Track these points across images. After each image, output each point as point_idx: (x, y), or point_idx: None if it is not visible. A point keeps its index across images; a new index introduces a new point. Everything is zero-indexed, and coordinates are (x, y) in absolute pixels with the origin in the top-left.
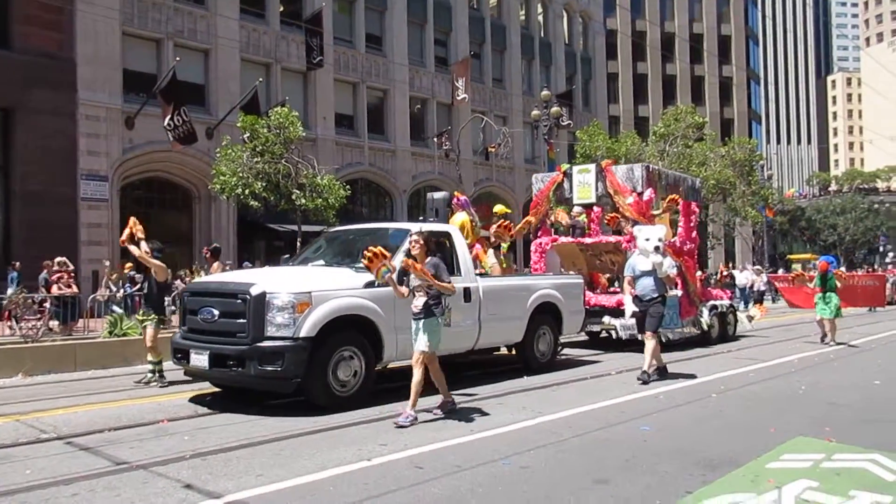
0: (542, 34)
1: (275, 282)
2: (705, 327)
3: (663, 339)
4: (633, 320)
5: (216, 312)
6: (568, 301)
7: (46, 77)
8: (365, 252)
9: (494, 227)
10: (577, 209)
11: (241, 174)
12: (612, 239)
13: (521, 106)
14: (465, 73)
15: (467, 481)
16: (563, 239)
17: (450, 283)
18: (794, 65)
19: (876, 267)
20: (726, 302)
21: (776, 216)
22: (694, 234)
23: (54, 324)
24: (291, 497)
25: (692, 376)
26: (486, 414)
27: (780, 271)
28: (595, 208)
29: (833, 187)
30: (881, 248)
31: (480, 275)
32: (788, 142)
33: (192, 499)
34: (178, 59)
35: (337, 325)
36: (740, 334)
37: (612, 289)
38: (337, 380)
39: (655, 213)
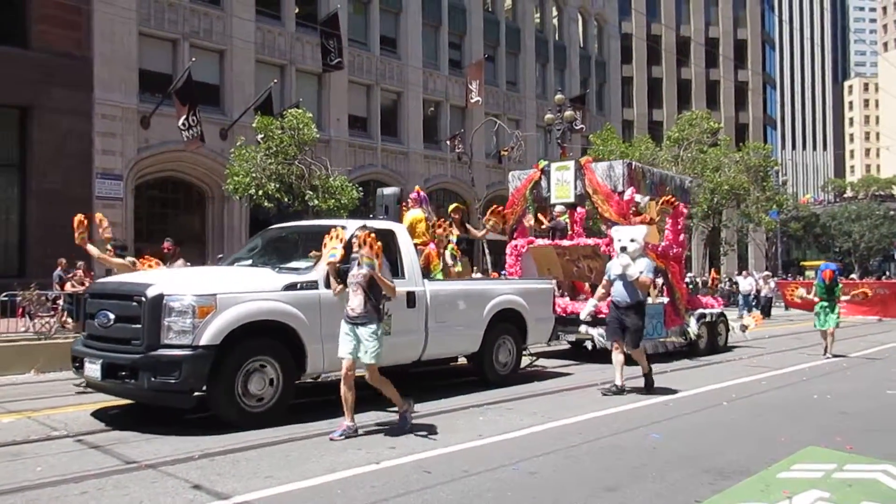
0: (557, 37)
1: (176, 283)
2: (692, 337)
3: (648, 351)
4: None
5: (111, 316)
6: (533, 308)
7: (63, 76)
8: (328, 233)
9: (488, 213)
10: (558, 208)
11: (254, 175)
12: (590, 242)
13: (534, 109)
14: (479, 75)
15: (475, 486)
16: (539, 241)
17: (392, 283)
18: (810, 70)
19: (889, 274)
20: (716, 310)
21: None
22: (682, 237)
23: (68, 321)
24: (299, 499)
25: (672, 391)
26: (434, 434)
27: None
28: (579, 209)
29: (848, 194)
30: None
31: (431, 278)
32: (804, 147)
33: (201, 499)
34: (193, 59)
35: (248, 332)
36: (733, 345)
37: None
38: (248, 394)
39: (647, 216)
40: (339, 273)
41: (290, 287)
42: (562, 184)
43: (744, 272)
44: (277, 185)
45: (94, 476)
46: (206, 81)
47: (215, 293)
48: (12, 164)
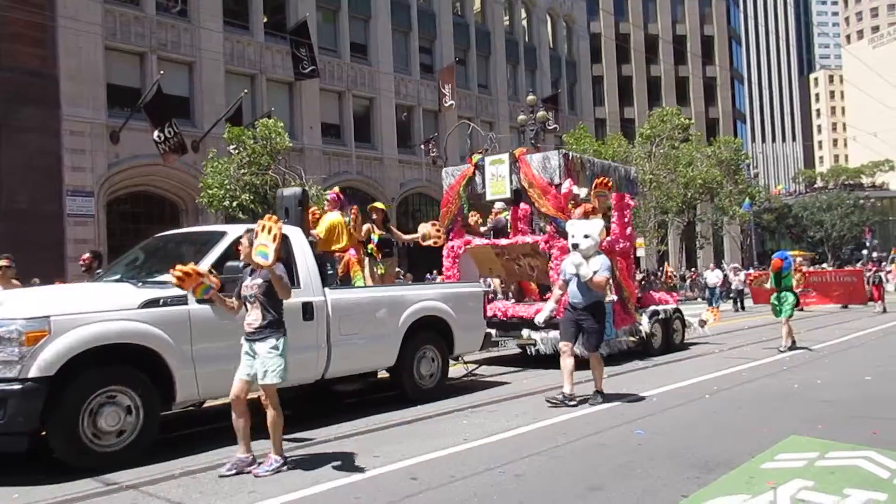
0: (527, 39)
1: (3, 305)
2: (644, 336)
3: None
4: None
5: None
6: (461, 315)
7: (30, 94)
8: (172, 272)
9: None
10: (498, 205)
11: (228, 186)
12: (528, 240)
13: (507, 111)
14: (451, 79)
15: (462, 491)
16: (476, 241)
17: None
18: (776, 64)
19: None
20: (671, 306)
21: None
22: (629, 230)
23: None
24: None
25: (637, 396)
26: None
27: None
28: (522, 205)
29: (819, 184)
30: (867, 244)
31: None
32: (773, 140)
33: None
34: (162, 72)
35: (96, 359)
36: (691, 341)
37: (546, 296)
38: (99, 431)
39: (588, 205)
40: (234, 290)
41: (151, 304)
42: (497, 179)
43: (710, 265)
44: (252, 196)
45: (73, 500)
46: (175, 94)
47: (48, 315)
48: None
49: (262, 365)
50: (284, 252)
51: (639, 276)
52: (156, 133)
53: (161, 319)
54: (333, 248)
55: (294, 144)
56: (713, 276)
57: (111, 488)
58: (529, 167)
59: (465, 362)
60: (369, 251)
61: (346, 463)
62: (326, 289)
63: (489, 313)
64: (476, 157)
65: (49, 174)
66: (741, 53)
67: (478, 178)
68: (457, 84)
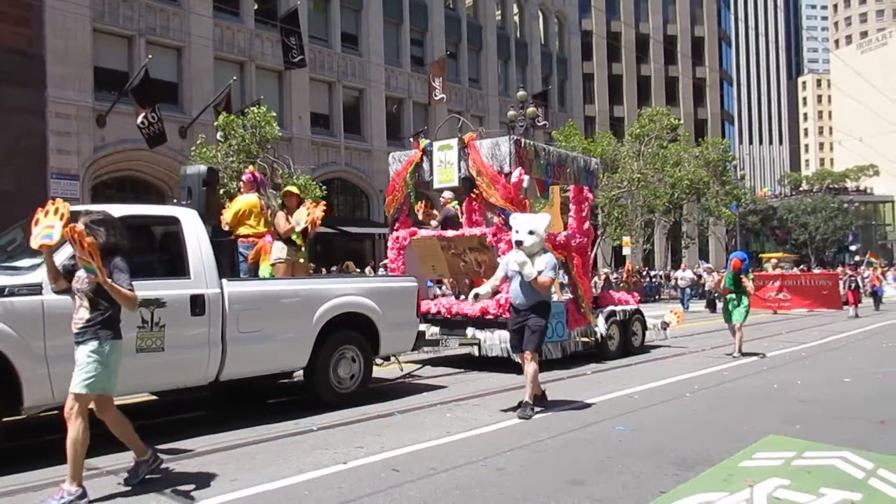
0: (518, 35)
1: None
2: (600, 338)
3: (545, 356)
4: (506, 333)
5: None
6: (388, 311)
7: (15, 74)
8: (43, 208)
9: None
10: (447, 194)
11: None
12: (476, 232)
13: (497, 106)
14: (442, 72)
15: (444, 483)
16: (422, 232)
17: (131, 290)
18: (765, 66)
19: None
20: (630, 307)
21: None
22: (586, 225)
23: None
24: (267, 502)
25: (581, 403)
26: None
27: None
28: (474, 194)
29: (804, 187)
30: (849, 248)
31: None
32: (760, 142)
33: None
34: (150, 56)
35: None
36: (652, 344)
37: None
38: None
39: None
40: (66, 269)
41: None
42: (445, 165)
43: (682, 265)
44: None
45: (52, 485)
46: (163, 79)
47: None
48: None
49: (77, 370)
50: (175, 237)
51: (600, 276)
52: (139, 118)
53: (5, 311)
54: (245, 232)
55: (283, 134)
56: (685, 277)
57: (92, 473)
58: (479, 154)
59: (401, 363)
60: (293, 238)
61: (328, 453)
62: (224, 280)
63: (433, 310)
64: (424, 142)
65: (34, 156)
66: (731, 55)
67: (425, 165)
68: (447, 78)
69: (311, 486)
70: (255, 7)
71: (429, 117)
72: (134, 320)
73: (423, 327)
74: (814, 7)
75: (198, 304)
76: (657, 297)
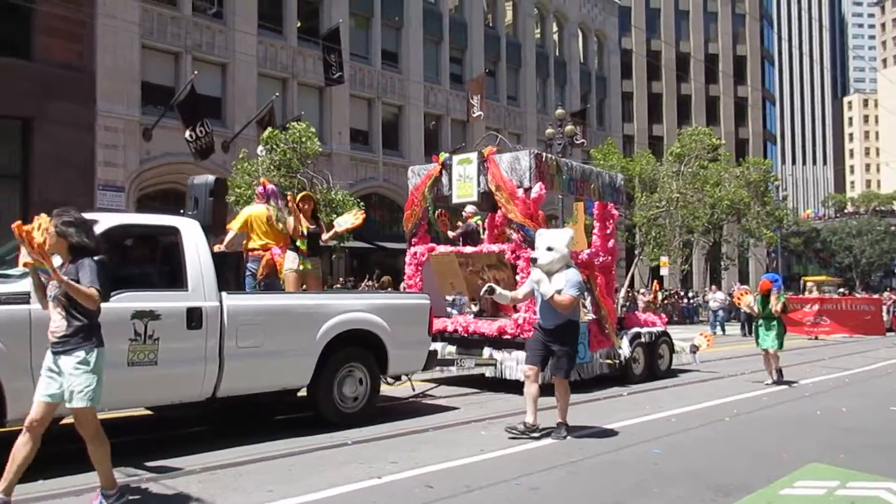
0: (557, 53)
1: None
2: (623, 361)
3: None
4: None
5: None
6: (397, 329)
7: (66, 88)
8: (15, 227)
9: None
10: (469, 208)
11: (255, 186)
12: (494, 248)
13: (535, 124)
14: (480, 90)
15: (478, 501)
16: (440, 248)
17: (91, 288)
18: (809, 85)
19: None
20: (657, 329)
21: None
22: (611, 243)
23: None
24: None
25: (609, 432)
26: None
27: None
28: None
29: (849, 209)
30: None
31: (253, 288)
32: (804, 163)
33: None
34: (195, 72)
35: None
36: (679, 368)
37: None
38: None
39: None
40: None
41: None
42: (464, 180)
43: (713, 286)
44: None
45: (95, 489)
46: (208, 94)
47: None
48: (14, 176)
49: (69, 384)
50: (174, 248)
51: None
52: (188, 132)
53: None
54: (251, 246)
55: (322, 149)
56: (715, 299)
57: (132, 480)
58: (498, 168)
59: (413, 382)
60: (296, 246)
61: (362, 468)
62: (224, 293)
63: (450, 328)
64: (443, 156)
65: (82, 168)
66: (774, 74)
67: (444, 179)
68: (486, 95)
69: (345, 500)
70: (299, 25)
71: (466, 134)
72: (126, 332)
73: (438, 346)
74: (860, 26)
75: (194, 317)
76: (694, 318)
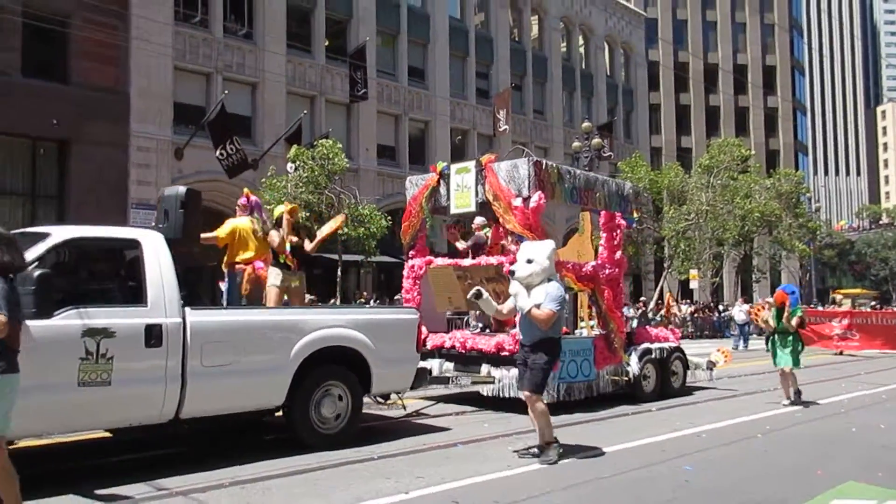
0: (584, 66)
1: None
2: (633, 378)
3: (560, 398)
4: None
5: None
6: (382, 346)
7: (101, 110)
8: None
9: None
10: (478, 220)
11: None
12: (493, 261)
13: (562, 137)
14: (507, 104)
15: None
16: (438, 261)
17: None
18: (842, 95)
19: None
20: (669, 344)
21: (823, 251)
22: (618, 254)
23: None
24: None
25: (596, 450)
26: None
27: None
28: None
29: (884, 220)
30: None
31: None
32: (837, 173)
33: None
34: (226, 92)
35: None
36: (694, 385)
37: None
38: None
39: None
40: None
41: None
42: (462, 190)
43: (739, 299)
44: (307, 214)
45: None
46: (238, 113)
47: None
48: (52, 196)
49: None
50: (135, 262)
51: (631, 311)
52: (218, 150)
53: None
54: (236, 259)
55: (349, 165)
56: (740, 312)
57: (162, 493)
58: (496, 177)
59: (403, 401)
60: (281, 260)
61: (389, 482)
62: (188, 309)
63: (447, 344)
64: (441, 165)
65: (116, 187)
66: (804, 84)
67: (442, 189)
68: (512, 109)
69: None
70: (326, 43)
71: (493, 149)
72: (76, 351)
73: (436, 363)
74: (893, 34)
75: (154, 334)
76: (726, 332)
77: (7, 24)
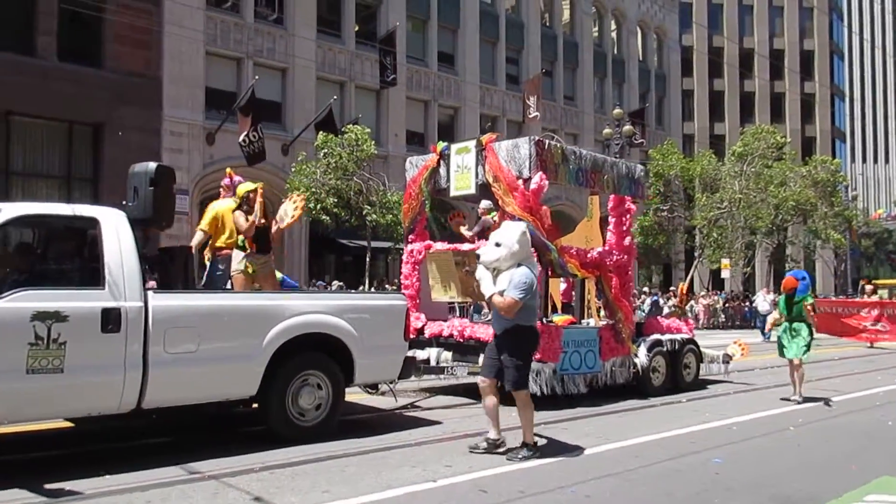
0: (616, 51)
1: None
2: (641, 371)
3: (555, 391)
4: None
5: None
6: (366, 334)
7: (134, 94)
8: None
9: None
10: (485, 203)
11: (313, 190)
12: None
13: (592, 124)
14: (537, 90)
15: None
16: (437, 246)
17: None
18: (882, 80)
19: None
20: (681, 336)
21: (859, 240)
22: (627, 240)
23: None
24: None
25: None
26: None
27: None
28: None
29: None
30: None
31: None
32: (875, 161)
33: None
34: (256, 77)
35: None
36: (708, 378)
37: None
38: None
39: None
40: None
41: None
42: (462, 171)
43: (763, 289)
44: (336, 200)
45: (159, 485)
46: (268, 98)
47: None
48: (87, 179)
49: None
50: (93, 242)
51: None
52: (241, 136)
53: None
54: (219, 244)
55: (378, 151)
56: (764, 303)
57: (194, 477)
58: (497, 157)
59: (395, 392)
60: (240, 243)
61: (416, 471)
62: (150, 292)
63: (445, 332)
64: (441, 145)
65: None
66: (843, 69)
67: (442, 170)
68: (542, 95)
69: (399, 502)
70: (356, 29)
71: (522, 135)
72: (24, 336)
73: (433, 352)
74: None
75: (111, 318)
76: (756, 323)
77: (44, 9)
